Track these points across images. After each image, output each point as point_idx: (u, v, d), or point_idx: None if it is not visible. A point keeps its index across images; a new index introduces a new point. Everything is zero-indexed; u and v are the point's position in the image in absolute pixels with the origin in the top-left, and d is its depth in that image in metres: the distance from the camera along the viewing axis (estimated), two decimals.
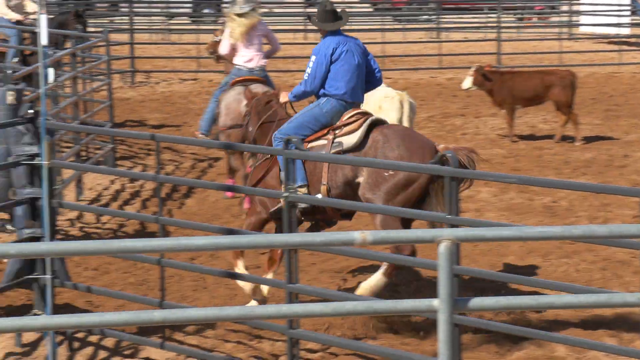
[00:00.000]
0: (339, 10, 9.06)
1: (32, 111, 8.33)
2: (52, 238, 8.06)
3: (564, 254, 10.22)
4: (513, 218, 11.59)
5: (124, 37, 25.03)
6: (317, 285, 9.09)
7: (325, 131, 8.83)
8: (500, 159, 14.67)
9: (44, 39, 7.56)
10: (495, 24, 26.06)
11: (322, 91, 8.93)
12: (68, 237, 10.94)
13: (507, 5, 31.92)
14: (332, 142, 8.74)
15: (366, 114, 8.85)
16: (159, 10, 31.27)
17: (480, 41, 27.17)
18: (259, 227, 8.93)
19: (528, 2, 33.51)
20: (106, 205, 12.28)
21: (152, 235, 10.92)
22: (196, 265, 9.21)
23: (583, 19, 30.65)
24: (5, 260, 8.86)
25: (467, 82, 16.03)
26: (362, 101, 9.06)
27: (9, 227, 10.50)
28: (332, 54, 8.89)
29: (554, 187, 10.63)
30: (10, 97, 9.17)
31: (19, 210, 8.40)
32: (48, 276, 8.08)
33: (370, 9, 36.79)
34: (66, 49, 15.51)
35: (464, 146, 8.90)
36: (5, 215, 10.74)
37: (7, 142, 8.64)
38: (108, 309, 8.82)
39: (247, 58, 12.15)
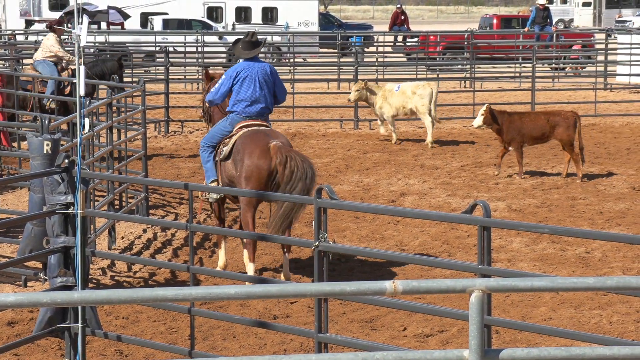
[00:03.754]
0: (259, 38, 11.44)
1: (67, 161, 8.39)
2: (85, 287, 8.10)
3: (597, 305, 10.15)
4: (545, 268, 11.54)
5: (160, 86, 25.26)
6: (347, 335, 9.07)
7: (224, 140, 11.19)
8: (533, 208, 14.63)
9: (82, 90, 7.65)
10: (529, 74, 26.07)
11: (228, 108, 11.29)
12: (99, 285, 10.99)
13: (541, 55, 31.97)
14: (220, 150, 11.17)
15: (247, 126, 11.07)
16: (194, 60, 31.56)
17: (515, 90, 27.20)
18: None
19: (563, 52, 33.56)
20: (138, 253, 12.33)
21: (183, 284, 10.95)
22: (226, 314, 9.22)
23: (619, 69, 30.63)
24: (37, 308, 8.90)
25: (478, 121, 16.94)
26: (256, 115, 11.18)
27: (42, 275, 10.56)
28: (235, 77, 11.17)
29: (587, 237, 10.54)
30: (46, 147, 9.28)
31: (53, 259, 8.45)
32: (79, 325, 8.11)
33: (404, 59, 36.92)
34: (103, 98, 15.67)
35: (293, 149, 10.89)
36: (38, 264, 10.81)
37: (43, 192, 8.72)
38: (138, 358, 8.84)
39: None
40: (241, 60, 11.46)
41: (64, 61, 18.47)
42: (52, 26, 18.99)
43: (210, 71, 12.71)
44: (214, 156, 11.30)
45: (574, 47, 35.06)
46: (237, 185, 10.94)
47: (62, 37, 18.95)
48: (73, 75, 18.19)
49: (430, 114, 20.16)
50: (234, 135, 11.12)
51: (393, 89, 20.47)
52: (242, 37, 11.64)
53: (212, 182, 11.24)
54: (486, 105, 17.04)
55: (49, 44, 18.34)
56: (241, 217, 11.07)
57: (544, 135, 16.86)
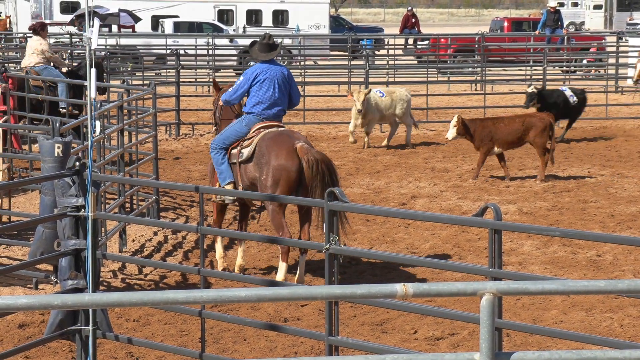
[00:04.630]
0: (276, 41, 11.64)
1: (78, 163, 8.40)
2: (95, 289, 8.11)
3: (608, 308, 10.12)
4: (556, 271, 11.51)
5: (171, 89, 25.27)
6: (358, 338, 9.06)
7: (240, 142, 11.26)
8: (544, 211, 14.60)
9: (92, 92, 7.66)
10: (540, 77, 26.02)
11: (244, 109, 11.40)
12: (110, 288, 11.01)
13: (552, 58, 31.92)
14: (239, 152, 11.18)
15: (265, 127, 11.17)
16: (205, 63, 31.57)
17: (526, 93, 27.11)
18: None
19: (574, 54, 33.50)
20: (149, 256, 12.34)
21: (194, 286, 10.96)
22: (237, 317, 9.22)
23: (630, 72, 30.53)
24: (48, 311, 8.91)
25: (452, 133, 16.77)
26: (273, 116, 11.31)
27: (53, 278, 10.58)
28: (254, 78, 11.27)
29: (598, 240, 10.55)
30: (57, 150, 9.29)
31: (64, 262, 8.46)
32: (90, 327, 8.12)
33: (415, 62, 36.90)
34: (113, 101, 15.70)
35: (316, 150, 11.00)
36: (49, 267, 10.82)
37: (54, 194, 8.73)
38: None
39: None
40: (252, 64, 11.58)
41: (52, 64, 18.39)
42: (35, 29, 18.71)
43: (217, 80, 12.80)
44: (228, 158, 11.30)
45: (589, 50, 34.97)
46: (262, 188, 10.95)
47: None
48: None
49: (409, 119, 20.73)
50: (254, 137, 11.16)
51: (378, 95, 20.51)
52: (258, 39, 11.74)
53: (228, 184, 11.25)
54: (457, 115, 16.96)
55: (44, 49, 18.13)
56: (273, 220, 11.06)
57: (519, 139, 16.82)
